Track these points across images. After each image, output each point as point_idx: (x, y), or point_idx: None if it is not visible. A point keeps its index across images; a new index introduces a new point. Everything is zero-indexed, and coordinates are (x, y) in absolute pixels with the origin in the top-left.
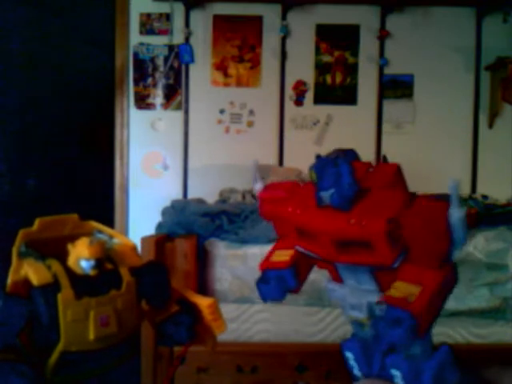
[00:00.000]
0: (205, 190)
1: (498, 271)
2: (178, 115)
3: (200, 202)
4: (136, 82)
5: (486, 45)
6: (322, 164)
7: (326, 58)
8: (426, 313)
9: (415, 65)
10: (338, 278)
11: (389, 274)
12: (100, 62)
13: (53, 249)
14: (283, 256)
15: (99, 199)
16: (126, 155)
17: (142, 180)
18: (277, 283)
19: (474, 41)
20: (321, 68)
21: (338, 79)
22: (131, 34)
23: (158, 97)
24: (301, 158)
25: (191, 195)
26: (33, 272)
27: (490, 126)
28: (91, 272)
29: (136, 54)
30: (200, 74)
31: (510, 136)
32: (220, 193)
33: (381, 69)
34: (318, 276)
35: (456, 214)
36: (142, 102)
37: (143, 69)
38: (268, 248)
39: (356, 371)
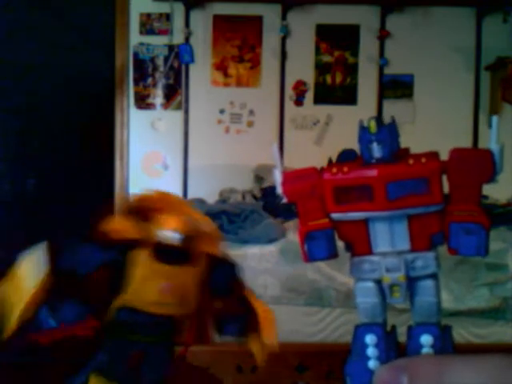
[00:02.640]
0: (205, 190)
1: (497, 271)
2: (178, 115)
3: (200, 201)
4: (136, 82)
5: (486, 45)
6: (378, 119)
7: (326, 58)
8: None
9: (415, 65)
10: (365, 249)
11: (424, 225)
12: (100, 61)
13: (149, 218)
14: (320, 222)
15: (99, 199)
16: (126, 155)
17: (142, 180)
18: (326, 240)
19: (474, 41)
20: (321, 68)
21: (338, 79)
22: (131, 33)
23: (158, 97)
24: (301, 158)
25: (191, 195)
26: (125, 227)
27: (490, 126)
28: (174, 243)
29: (136, 54)
30: (200, 74)
31: (510, 136)
32: (220, 193)
33: (381, 69)
34: (317, 276)
35: (496, 147)
36: (142, 102)
37: (143, 69)
38: (268, 248)
39: (372, 363)
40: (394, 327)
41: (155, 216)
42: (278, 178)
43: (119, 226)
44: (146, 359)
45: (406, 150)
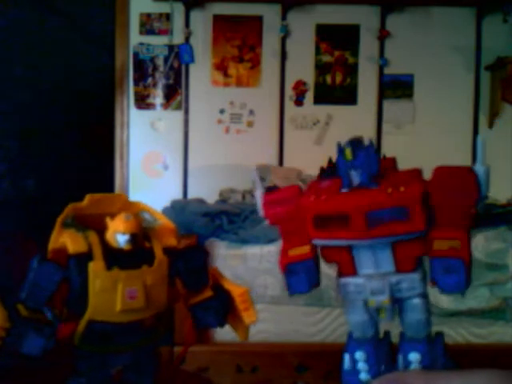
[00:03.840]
0: (205, 190)
1: (497, 271)
2: (178, 115)
3: (200, 201)
4: (136, 82)
5: (485, 45)
6: (355, 143)
7: (326, 58)
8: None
9: (415, 65)
10: (350, 270)
11: (407, 249)
12: (100, 61)
13: (98, 224)
14: (301, 250)
15: None
16: (126, 155)
17: (142, 180)
18: (305, 275)
19: (474, 41)
20: (321, 68)
21: (338, 79)
22: (131, 33)
23: (157, 97)
24: (301, 158)
25: (191, 195)
26: (70, 241)
27: (490, 126)
28: (125, 246)
29: (136, 54)
30: (200, 74)
31: (510, 136)
32: (220, 193)
33: (381, 69)
34: None
35: (481, 169)
36: (142, 102)
37: (143, 69)
38: (268, 248)
39: (364, 375)
40: (386, 334)
41: (100, 221)
42: (258, 200)
43: (64, 240)
44: (129, 369)
45: (391, 162)
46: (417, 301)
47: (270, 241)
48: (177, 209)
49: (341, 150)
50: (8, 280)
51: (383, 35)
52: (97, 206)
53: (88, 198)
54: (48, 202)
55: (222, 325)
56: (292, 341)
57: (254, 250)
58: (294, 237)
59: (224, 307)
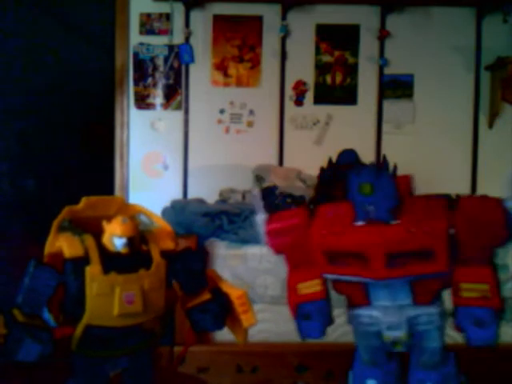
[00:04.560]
0: (205, 190)
1: (498, 271)
2: (178, 115)
3: (200, 201)
4: (136, 82)
5: (486, 45)
6: (372, 175)
7: (326, 58)
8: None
9: (415, 65)
10: (363, 301)
11: (426, 283)
12: (100, 61)
13: (94, 227)
14: (312, 287)
15: None
16: (126, 155)
17: (142, 180)
18: (318, 319)
19: (474, 41)
20: (321, 68)
21: (338, 79)
22: (131, 33)
23: (158, 97)
24: (301, 158)
25: (191, 195)
26: (66, 245)
27: (490, 126)
28: (122, 249)
29: (136, 54)
30: (200, 74)
31: (510, 136)
32: (220, 193)
33: (381, 69)
34: None
35: None
36: (142, 102)
37: (143, 69)
38: (268, 248)
39: None
40: (394, 356)
41: (96, 224)
42: (260, 226)
43: (60, 245)
44: (127, 372)
45: (406, 181)
46: (434, 333)
47: None
48: (177, 209)
49: (356, 183)
50: (8, 280)
51: (383, 35)
52: (93, 208)
53: (84, 201)
54: (48, 202)
55: (220, 328)
56: (292, 341)
57: (253, 250)
58: (302, 268)
59: (222, 310)
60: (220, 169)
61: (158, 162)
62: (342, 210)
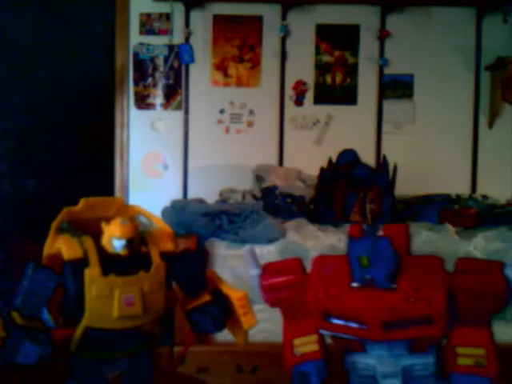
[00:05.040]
0: (205, 190)
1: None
2: (178, 115)
3: (200, 201)
4: (136, 82)
5: (486, 45)
6: (368, 245)
7: (326, 58)
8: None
9: (415, 65)
10: (358, 348)
11: (424, 339)
12: (100, 61)
13: (93, 229)
14: (309, 345)
15: None
16: (126, 155)
17: (142, 180)
18: (317, 376)
19: (474, 41)
20: (321, 68)
21: (338, 79)
22: (131, 34)
23: (158, 97)
24: (301, 158)
25: (191, 195)
26: (65, 247)
27: (490, 126)
28: (122, 251)
29: (136, 54)
30: (200, 74)
31: (510, 136)
32: (220, 193)
33: (381, 69)
34: None
35: None
36: (142, 102)
37: (143, 69)
38: (268, 248)
39: None
40: None
41: (95, 225)
42: (255, 281)
43: (59, 246)
44: (127, 374)
45: (403, 231)
46: (429, 379)
47: (270, 241)
48: (177, 209)
49: (353, 252)
50: (7, 281)
51: (383, 35)
52: (92, 210)
53: (83, 202)
54: (48, 201)
55: (220, 330)
56: None
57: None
58: (297, 321)
59: (222, 312)
60: (220, 169)
61: (158, 162)
62: (338, 266)
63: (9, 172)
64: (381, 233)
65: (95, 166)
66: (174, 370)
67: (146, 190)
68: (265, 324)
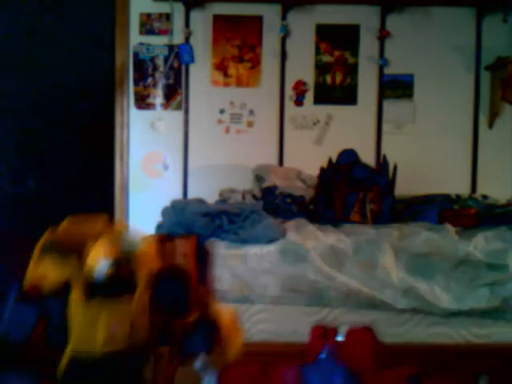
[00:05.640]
0: (205, 190)
1: (497, 271)
2: (178, 115)
3: (200, 201)
4: (136, 82)
5: (486, 45)
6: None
7: (326, 58)
8: None
9: (415, 65)
10: None
11: None
12: (100, 61)
13: (79, 247)
14: None
15: (99, 199)
16: (126, 155)
17: (142, 180)
18: None
19: (474, 41)
20: (321, 68)
21: (338, 79)
22: (131, 33)
23: (158, 97)
24: (301, 158)
25: (191, 195)
26: (49, 272)
27: (490, 126)
28: (107, 272)
29: (136, 54)
30: (200, 74)
31: (510, 136)
32: (220, 193)
33: (381, 69)
34: (317, 276)
35: None
36: (142, 102)
37: (143, 69)
38: (268, 248)
39: None
40: None
41: (81, 244)
42: None
43: (42, 272)
44: None
45: (369, 336)
46: None
47: (270, 241)
48: (177, 209)
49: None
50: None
51: (383, 35)
52: (77, 228)
53: (67, 221)
54: (48, 201)
55: (208, 349)
56: (292, 341)
57: (254, 250)
58: None
59: (209, 335)
60: (220, 169)
61: (158, 162)
62: None
63: (9, 172)
64: (343, 338)
65: (95, 166)
66: (174, 370)
67: (146, 189)
68: (265, 324)
